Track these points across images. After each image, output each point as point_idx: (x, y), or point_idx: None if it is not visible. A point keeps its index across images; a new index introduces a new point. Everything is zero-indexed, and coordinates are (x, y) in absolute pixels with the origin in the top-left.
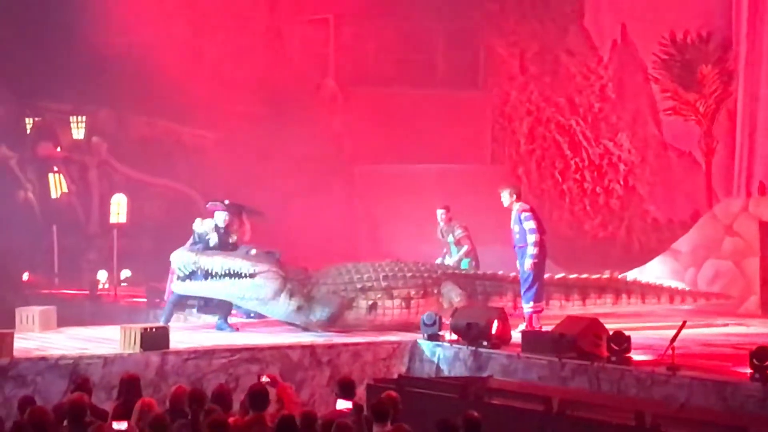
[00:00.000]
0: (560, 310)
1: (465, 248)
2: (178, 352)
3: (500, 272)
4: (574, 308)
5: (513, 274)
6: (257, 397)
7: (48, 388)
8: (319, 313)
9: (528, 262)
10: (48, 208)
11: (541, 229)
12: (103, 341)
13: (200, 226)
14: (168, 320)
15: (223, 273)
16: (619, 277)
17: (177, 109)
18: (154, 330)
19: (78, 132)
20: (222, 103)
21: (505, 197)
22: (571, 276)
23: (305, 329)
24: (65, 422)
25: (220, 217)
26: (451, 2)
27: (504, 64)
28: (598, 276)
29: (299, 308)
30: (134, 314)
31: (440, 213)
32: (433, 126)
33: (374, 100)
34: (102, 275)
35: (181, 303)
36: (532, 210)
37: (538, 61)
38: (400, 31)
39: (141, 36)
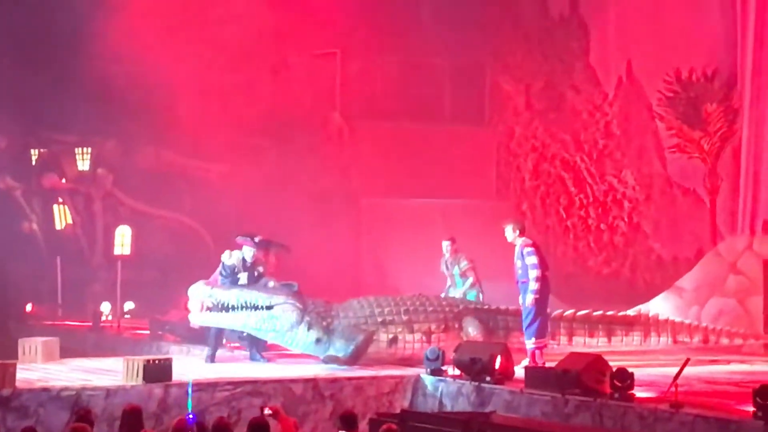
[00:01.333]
0: (584, 347)
1: (470, 280)
2: (180, 385)
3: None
4: (600, 346)
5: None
6: (258, 429)
7: (50, 419)
8: (344, 348)
9: (530, 298)
10: (52, 239)
11: (543, 265)
12: (106, 373)
13: (229, 258)
14: (213, 355)
15: (239, 306)
16: (645, 313)
17: (183, 141)
18: (157, 362)
19: (83, 163)
20: (228, 136)
21: (509, 232)
22: (596, 312)
23: (325, 362)
24: None
25: (249, 253)
26: (458, 38)
27: (509, 100)
28: (624, 313)
29: (318, 340)
30: (137, 346)
31: (446, 245)
32: (439, 160)
33: (380, 135)
34: (105, 307)
35: (220, 335)
36: (534, 245)
37: (544, 97)
38: (407, 66)
39: (148, 67)
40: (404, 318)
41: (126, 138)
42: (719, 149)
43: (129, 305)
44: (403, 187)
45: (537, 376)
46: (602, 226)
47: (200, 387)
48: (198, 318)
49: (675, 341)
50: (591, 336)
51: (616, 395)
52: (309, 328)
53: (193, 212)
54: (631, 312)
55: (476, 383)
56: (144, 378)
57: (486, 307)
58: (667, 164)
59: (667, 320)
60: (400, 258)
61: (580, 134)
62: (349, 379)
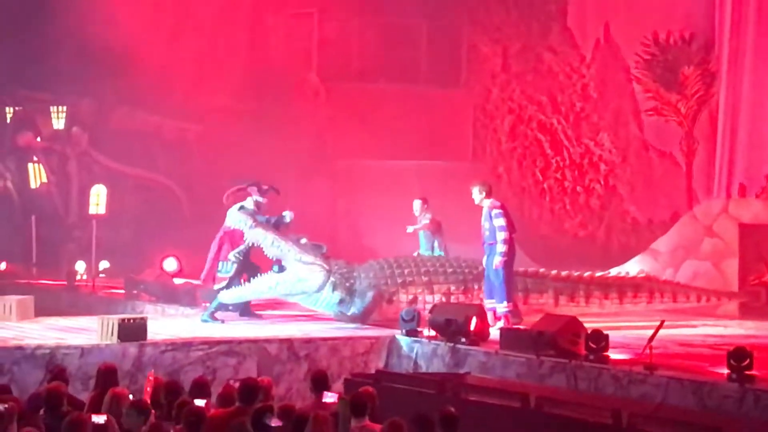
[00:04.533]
0: (599, 308)
1: (423, 224)
2: (155, 344)
3: (541, 269)
4: (612, 307)
5: (554, 271)
6: (249, 390)
7: (24, 377)
8: (356, 306)
9: (497, 260)
10: (27, 198)
11: (511, 227)
12: (81, 332)
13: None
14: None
15: (270, 249)
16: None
17: (159, 101)
18: (131, 321)
19: (58, 122)
20: (204, 96)
21: (476, 194)
22: (610, 274)
23: (346, 322)
24: (41, 411)
25: (251, 203)
26: None
27: (486, 62)
28: (633, 275)
29: (341, 301)
30: (112, 305)
31: (417, 204)
32: (415, 122)
33: (356, 96)
34: (80, 266)
35: None
36: (502, 207)
37: (521, 59)
38: (384, 28)
39: (124, 27)
40: (424, 279)
41: (101, 97)
42: (696, 112)
43: (104, 264)
44: (379, 149)
45: (512, 337)
46: (578, 188)
47: (175, 346)
48: (228, 296)
49: (675, 301)
50: (605, 298)
51: (591, 357)
52: (333, 290)
53: (169, 172)
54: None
55: (451, 344)
56: (119, 337)
57: None
58: (644, 127)
59: (667, 281)
60: (375, 219)
61: (557, 96)
62: (324, 339)
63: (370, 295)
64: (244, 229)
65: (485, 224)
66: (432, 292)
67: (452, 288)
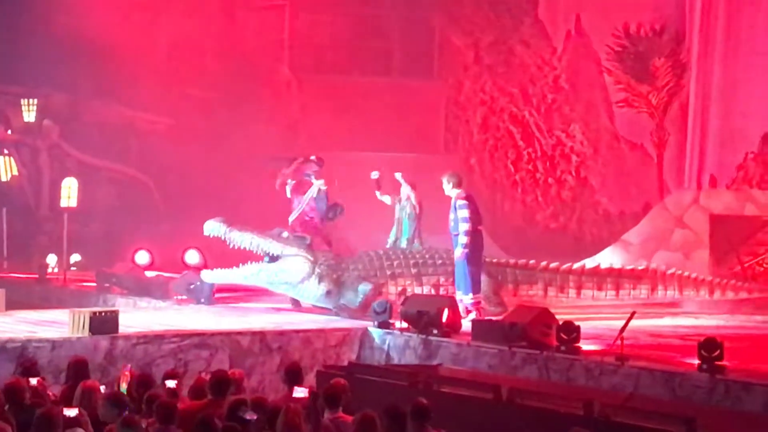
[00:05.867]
0: (593, 300)
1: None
2: (127, 337)
3: (531, 261)
4: (607, 299)
5: (544, 263)
6: (220, 383)
7: None
8: (353, 299)
9: (458, 251)
10: None
11: (475, 219)
12: (52, 325)
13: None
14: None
15: (252, 249)
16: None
17: (130, 93)
18: (103, 314)
19: (29, 115)
20: (176, 89)
21: (445, 184)
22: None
23: (336, 314)
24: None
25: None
26: None
27: (458, 54)
28: (632, 266)
29: (328, 292)
30: (83, 298)
31: (398, 174)
32: (387, 114)
33: (328, 88)
34: (51, 259)
35: None
36: (468, 198)
37: (493, 51)
38: (356, 20)
39: (96, 19)
40: (413, 271)
41: (73, 90)
42: (667, 104)
43: (75, 257)
44: (351, 141)
45: (484, 329)
46: (550, 180)
47: (147, 339)
48: (210, 276)
49: (681, 294)
50: (599, 289)
51: (563, 348)
52: (320, 281)
53: (141, 165)
54: (577, 265)
55: (423, 336)
56: (90, 330)
57: (495, 260)
58: (615, 119)
59: (674, 274)
60: (347, 211)
61: (529, 88)
62: (297, 331)
63: (366, 287)
64: (221, 235)
65: (451, 215)
66: (421, 284)
67: (441, 280)
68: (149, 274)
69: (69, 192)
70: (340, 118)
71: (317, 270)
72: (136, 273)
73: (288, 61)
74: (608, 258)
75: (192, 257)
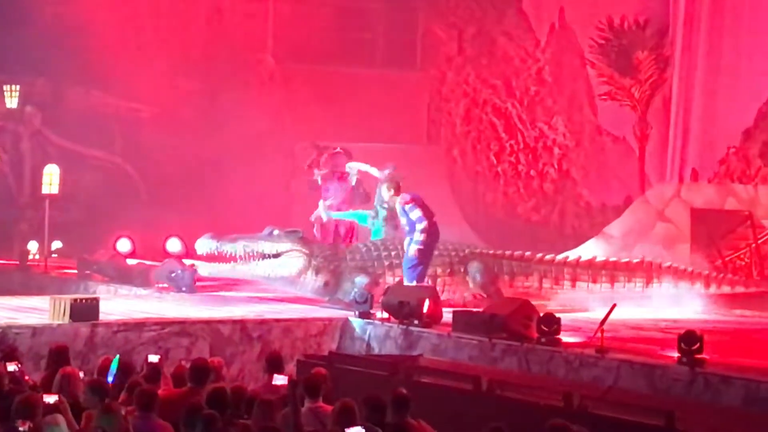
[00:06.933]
0: (587, 292)
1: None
2: (107, 324)
3: (527, 253)
4: (602, 291)
5: (539, 255)
6: (199, 371)
7: None
8: (350, 290)
9: (413, 248)
10: None
11: (428, 214)
12: (32, 311)
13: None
14: None
15: (246, 256)
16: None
17: (115, 81)
18: (83, 301)
19: (11, 101)
20: (161, 78)
21: (385, 192)
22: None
23: (333, 305)
24: None
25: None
26: None
27: (442, 45)
28: (628, 259)
29: (326, 284)
30: (65, 285)
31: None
32: (370, 105)
33: (313, 78)
34: (33, 246)
35: None
36: (413, 200)
37: (476, 43)
38: (339, 10)
39: (80, 5)
40: None
41: (56, 77)
42: (649, 97)
43: (56, 244)
44: (335, 131)
45: (464, 320)
46: (532, 172)
47: (127, 327)
48: (207, 270)
49: (677, 287)
50: (594, 282)
51: (543, 340)
52: (317, 273)
53: (124, 153)
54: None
55: (404, 326)
56: (71, 317)
57: (491, 252)
58: (598, 111)
59: (669, 267)
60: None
61: (512, 81)
62: (278, 320)
63: (363, 280)
64: (213, 251)
65: (402, 219)
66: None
67: (438, 270)
68: (130, 261)
69: (51, 179)
70: (324, 109)
71: (313, 263)
72: (118, 261)
73: (272, 51)
74: (590, 250)
75: (173, 245)
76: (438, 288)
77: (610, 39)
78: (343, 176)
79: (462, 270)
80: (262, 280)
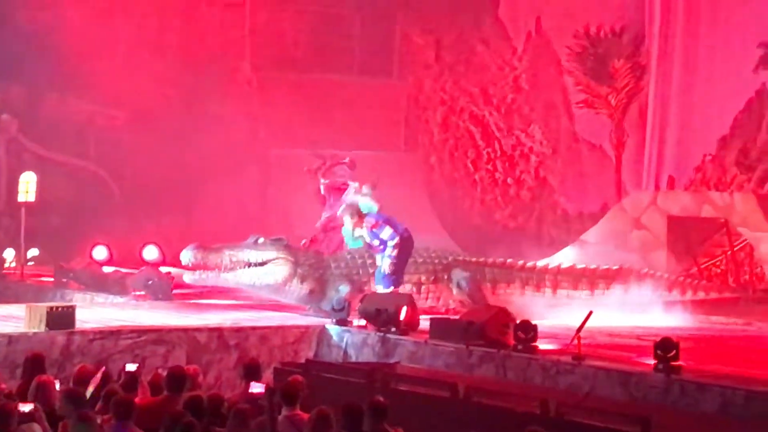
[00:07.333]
0: (567, 299)
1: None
2: (83, 332)
3: (509, 260)
4: (582, 298)
5: (521, 262)
6: (175, 379)
7: None
8: (335, 297)
9: (387, 262)
10: None
11: (398, 228)
12: (8, 319)
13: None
14: None
15: (232, 265)
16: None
17: (90, 88)
18: (60, 309)
19: None
20: (136, 84)
21: (348, 222)
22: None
23: (316, 313)
24: None
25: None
26: None
27: (419, 53)
28: (607, 266)
29: (311, 292)
30: (41, 293)
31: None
32: (348, 112)
33: (289, 85)
34: (9, 254)
35: None
36: (377, 222)
37: (453, 50)
38: (316, 17)
39: (55, 13)
40: None
41: (31, 84)
42: (626, 105)
43: (33, 252)
44: (312, 138)
45: (442, 327)
46: (509, 180)
47: (103, 335)
48: (193, 278)
49: (654, 294)
50: (574, 288)
51: (520, 347)
52: (302, 281)
53: (100, 160)
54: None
55: (381, 334)
56: (47, 325)
57: (474, 259)
58: (575, 119)
59: (647, 273)
60: (307, 209)
61: (489, 88)
62: (254, 328)
63: (345, 288)
64: (199, 262)
65: (374, 242)
66: (402, 283)
67: (423, 278)
68: (107, 269)
69: (27, 186)
70: (301, 116)
71: (299, 270)
72: (94, 268)
73: (249, 58)
74: (567, 258)
75: (150, 253)
76: (422, 295)
77: (587, 47)
78: (342, 188)
79: (446, 277)
80: (247, 288)
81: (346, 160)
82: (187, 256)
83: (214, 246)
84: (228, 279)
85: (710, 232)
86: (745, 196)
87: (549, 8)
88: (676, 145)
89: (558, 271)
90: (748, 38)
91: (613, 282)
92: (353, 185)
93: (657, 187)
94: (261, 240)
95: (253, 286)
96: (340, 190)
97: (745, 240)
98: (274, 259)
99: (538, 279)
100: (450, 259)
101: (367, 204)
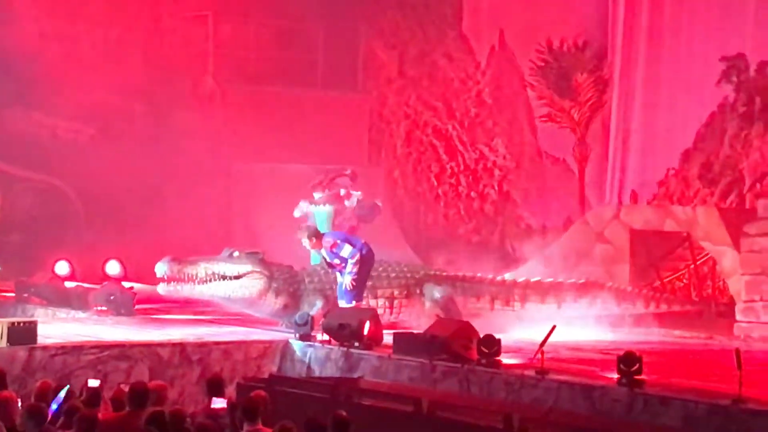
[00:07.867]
0: (537, 312)
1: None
2: (45, 348)
3: (479, 274)
4: (549, 311)
5: (491, 276)
6: (138, 394)
7: None
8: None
9: (348, 279)
10: None
11: (358, 245)
12: None
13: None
14: None
15: (207, 278)
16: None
17: (52, 102)
18: (21, 324)
19: None
20: (99, 98)
21: (306, 243)
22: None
23: (289, 328)
24: None
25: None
26: (332, 2)
27: (383, 67)
28: (573, 280)
29: (285, 306)
30: (2, 308)
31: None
32: (312, 126)
33: (253, 99)
34: None
35: None
36: (336, 242)
37: (417, 64)
38: (280, 31)
39: (16, 26)
40: (368, 284)
41: None
42: (589, 119)
43: None
44: (275, 152)
45: (405, 342)
46: (473, 194)
47: (66, 350)
48: (167, 290)
49: (618, 306)
50: (542, 302)
51: (483, 361)
52: (277, 296)
53: (62, 174)
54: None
55: (345, 348)
56: (8, 340)
57: (444, 273)
58: (538, 133)
59: (611, 287)
60: (271, 223)
61: (452, 102)
62: (217, 343)
63: (318, 303)
64: (174, 274)
65: (335, 261)
66: (376, 297)
67: (396, 293)
68: (69, 284)
69: None
70: (264, 130)
71: (273, 285)
72: (56, 283)
73: (212, 71)
74: (531, 272)
75: (113, 268)
76: (395, 310)
77: (550, 61)
78: (342, 198)
79: (418, 291)
80: (221, 301)
81: (348, 171)
82: (162, 268)
83: (189, 258)
84: (203, 291)
85: (673, 246)
86: (707, 210)
87: (512, 22)
88: (638, 159)
89: (527, 285)
90: (711, 52)
91: (581, 296)
92: (356, 195)
93: (620, 201)
94: (236, 253)
95: (227, 299)
96: (339, 200)
97: (708, 254)
98: (249, 273)
99: (507, 293)
100: (422, 273)
101: (322, 212)
